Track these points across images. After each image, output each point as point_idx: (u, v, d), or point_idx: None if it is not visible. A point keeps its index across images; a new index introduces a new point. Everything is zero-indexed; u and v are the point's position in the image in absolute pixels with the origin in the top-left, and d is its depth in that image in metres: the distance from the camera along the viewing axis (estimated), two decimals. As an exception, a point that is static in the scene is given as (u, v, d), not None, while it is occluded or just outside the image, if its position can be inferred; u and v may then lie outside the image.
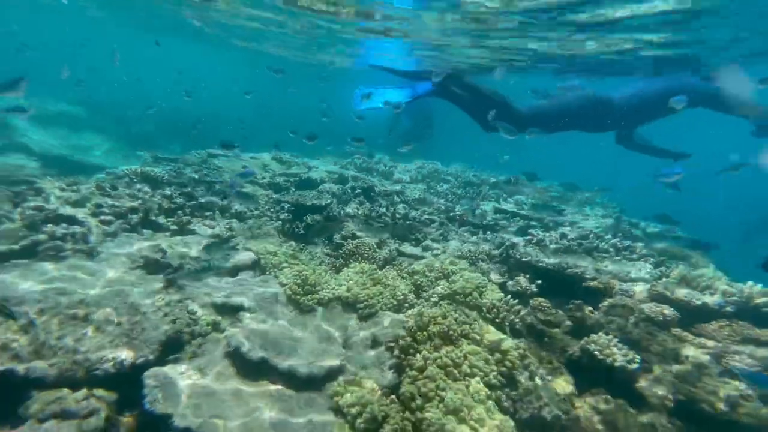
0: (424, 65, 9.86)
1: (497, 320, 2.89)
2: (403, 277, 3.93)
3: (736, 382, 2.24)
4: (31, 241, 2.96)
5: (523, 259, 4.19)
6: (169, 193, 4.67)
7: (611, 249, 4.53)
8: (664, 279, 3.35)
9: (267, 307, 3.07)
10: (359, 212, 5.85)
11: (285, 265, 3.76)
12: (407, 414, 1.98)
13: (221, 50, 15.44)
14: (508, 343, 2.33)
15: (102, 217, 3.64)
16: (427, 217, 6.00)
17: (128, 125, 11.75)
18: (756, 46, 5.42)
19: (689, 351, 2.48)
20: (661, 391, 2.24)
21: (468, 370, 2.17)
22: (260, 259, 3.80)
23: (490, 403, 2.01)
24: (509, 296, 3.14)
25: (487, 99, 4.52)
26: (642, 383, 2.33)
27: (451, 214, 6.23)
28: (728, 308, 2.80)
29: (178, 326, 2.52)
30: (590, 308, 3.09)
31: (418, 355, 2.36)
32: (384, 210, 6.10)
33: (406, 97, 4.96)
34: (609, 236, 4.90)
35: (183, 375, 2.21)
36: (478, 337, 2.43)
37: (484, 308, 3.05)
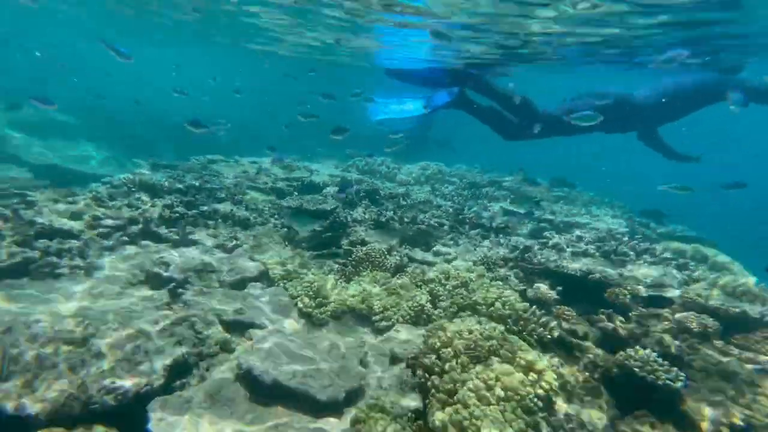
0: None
1: (524, 333, 2.72)
2: (417, 286, 3.75)
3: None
4: (22, 258, 2.76)
5: (544, 265, 4.02)
6: (170, 201, 4.47)
7: (631, 252, 4.37)
8: (695, 284, 3.18)
9: (278, 322, 2.89)
10: (366, 217, 5.67)
11: (294, 275, 3.57)
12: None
13: (224, 51, 15.19)
14: (543, 362, 2.15)
15: (100, 230, 3.44)
16: (436, 220, 5.83)
17: (122, 131, 11.52)
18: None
19: (737, 366, 2.31)
20: (712, 412, 2.07)
21: (502, 394, 1.99)
22: (268, 269, 3.61)
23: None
24: (534, 306, 2.97)
25: (509, 106, 4.35)
26: (690, 404, 2.16)
27: (461, 216, 6.06)
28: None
29: (185, 348, 2.33)
30: (620, 318, 2.92)
31: (445, 375, 2.17)
32: (391, 214, 5.92)
33: (422, 110, 4.78)
34: (626, 238, 4.75)
35: (191, 403, 2.02)
36: (509, 355, 2.25)
37: (509, 320, 2.87)
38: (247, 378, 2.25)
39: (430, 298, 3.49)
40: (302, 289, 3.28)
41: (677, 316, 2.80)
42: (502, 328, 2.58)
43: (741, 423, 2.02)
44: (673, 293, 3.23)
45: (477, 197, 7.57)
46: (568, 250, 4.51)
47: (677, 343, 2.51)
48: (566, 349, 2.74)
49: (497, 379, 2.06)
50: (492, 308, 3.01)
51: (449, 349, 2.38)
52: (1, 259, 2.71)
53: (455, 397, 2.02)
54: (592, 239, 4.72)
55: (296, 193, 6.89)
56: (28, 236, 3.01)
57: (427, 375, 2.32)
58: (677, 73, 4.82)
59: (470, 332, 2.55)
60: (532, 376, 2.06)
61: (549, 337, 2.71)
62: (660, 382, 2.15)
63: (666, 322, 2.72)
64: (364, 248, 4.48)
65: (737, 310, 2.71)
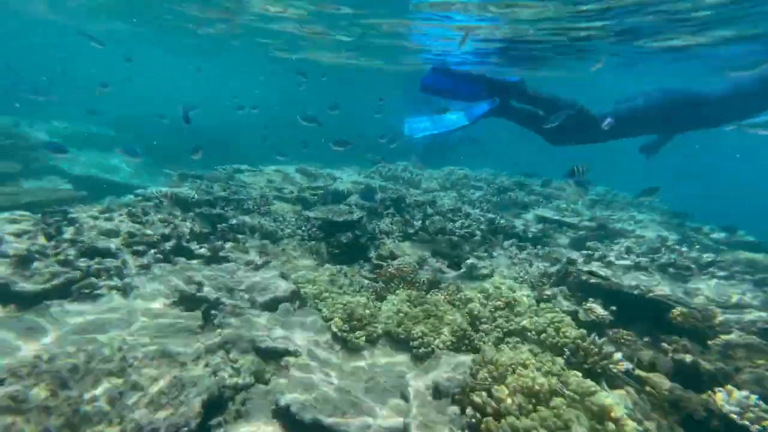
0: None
1: (586, 366, 2.43)
2: (455, 305, 3.52)
3: None
4: (65, 279, 2.77)
5: (590, 281, 3.69)
6: (201, 215, 4.47)
7: (692, 265, 3.93)
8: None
9: (313, 348, 2.75)
10: (394, 228, 5.49)
11: (326, 294, 3.43)
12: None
13: (246, 60, 15.51)
14: (621, 408, 1.87)
15: (135, 248, 3.45)
16: (466, 230, 5.56)
17: (152, 141, 11.96)
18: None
19: None
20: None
21: (573, 446, 1.73)
22: (299, 288, 3.50)
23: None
24: (593, 335, 2.66)
25: (559, 108, 4.04)
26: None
27: (493, 225, 5.75)
28: None
29: (220, 379, 2.23)
30: (699, 348, 2.57)
31: (503, 421, 1.94)
32: (419, 224, 5.71)
33: (464, 121, 4.53)
34: (684, 248, 4.30)
35: (229, 444, 1.90)
36: (575, 397, 1.98)
37: (565, 349, 2.59)
38: (284, 415, 2.11)
39: (470, 320, 3.25)
40: (335, 310, 3.14)
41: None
42: (561, 361, 2.31)
43: None
44: (757, 315, 2.82)
45: (507, 204, 7.21)
46: (617, 262, 4.13)
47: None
48: (637, 382, 2.43)
49: (567, 427, 1.81)
50: (544, 335, 2.74)
51: (503, 387, 2.15)
52: (45, 280, 2.72)
53: (518, 449, 1.78)
54: (644, 250, 4.30)
55: (321, 203, 6.82)
56: (69, 255, 3.04)
57: (478, 415, 2.09)
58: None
59: (524, 365, 2.30)
60: (610, 426, 1.79)
61: (615, 370, 2.41)
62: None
63: (761, 355, 2.35)
64: (394, 263, 4.29)
65: None
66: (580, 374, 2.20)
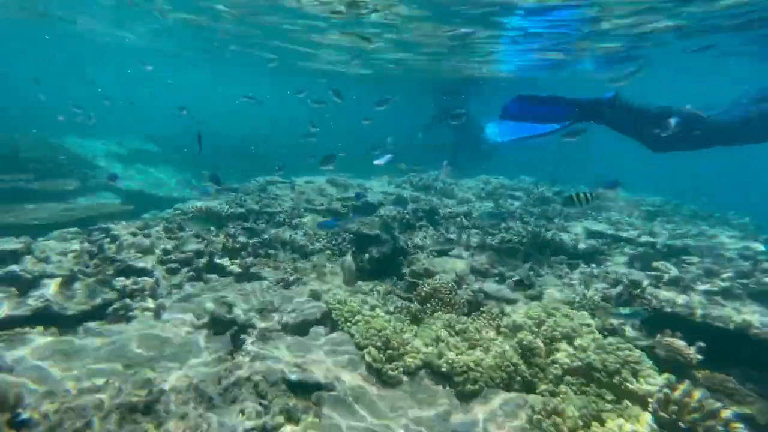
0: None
1: (682, 425, 1.96)
2: (501, 332, 3.14)
3: None
4: (102, 300, 2.77)
5: (665, 309, 3.13)
6: (233, 231, 4.46)
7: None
8: None
9: (346, 380, 2.50)
10: (428, 242, 5.18)
11: (359, 317, 3.19)
12: None
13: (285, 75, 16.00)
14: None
15: (169, 265, 3.44)
16: (508, 245, 5.11)
17: (192, 155, 12.62)
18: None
19: None
20: None
21: None
22: (330, 309, 3.29)
23: None
24: (687, 384, 2.17)
25: (659, 116, 3.62)
26: None
27: (537, 240, 5.25)
28: None
29: (248, 418, 2.04)
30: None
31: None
32: (455, 237, 5.35)
33: (552, 126, 4.16)
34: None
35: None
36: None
37: (650, 401, 2.12)
38: (317, 464, 1.87)
39: (521, 351, 2.85)
40: (369, 336, 2.88)
41: None
42: (648, 418, 1.87)
43: None
44: None
45: (550, 215, 6.61)
46: (697, 287, 3.50)
47: None
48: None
49: None
50: (617, 378, 2.28)
51: (576, 449, 1.75)
52: (84, 301, 2.73)
53: None
54: (731, 273, 3.63)
55: (351, 214, 6.68)
56: (108, 274, 3.07)
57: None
58: None
59: (600, 421, 1.89)
60: None
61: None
62: None
63: None
64: (430, 282, 3.97)
65: None
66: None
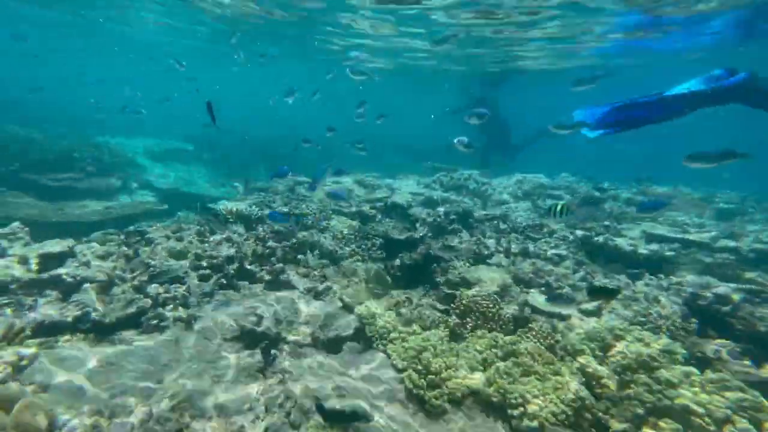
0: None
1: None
2: (555, 353, 2.77)
3: None
4: (137, 308, 2.72)
5: None
6: (262, 234, 4.37)
7: None
8: None
9: (384, 408, 2.27)
10: (463, 248, 4.83)
11: (394, 334, 2.95)
12: None
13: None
14: None
15: (200, 272, 3.37)
16: (553, 251, 4.66)
17: (223, 154, 12.92)
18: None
19: None
20: None
21: None
22: (363, 324, 3.08)
23: None
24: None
25: None
26: None
27: (588, 245, 4.74)
28: None
29: (281, 451, 1.86)
30: None
31: None
32: (493, 243, 4.96)
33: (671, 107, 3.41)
34: None
35: None
36: None
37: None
38: None
39: (585, 381, 2.48)
40: (407, 357, 2.63)
41: None
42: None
43: None
44: None
45: (599, 217, 6.01)
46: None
47: None
48: None
49: None
50: (730, 429, 1.87)
51: None
52: (121, 307, 2.69)
53: None
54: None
55: (380, 216, 6.46)
56: (142, 280, 3.03)
57: None
58: None
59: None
60: None
61: None
62: None
63: None
64: (469, 293, 3.65)
65: None
66: None
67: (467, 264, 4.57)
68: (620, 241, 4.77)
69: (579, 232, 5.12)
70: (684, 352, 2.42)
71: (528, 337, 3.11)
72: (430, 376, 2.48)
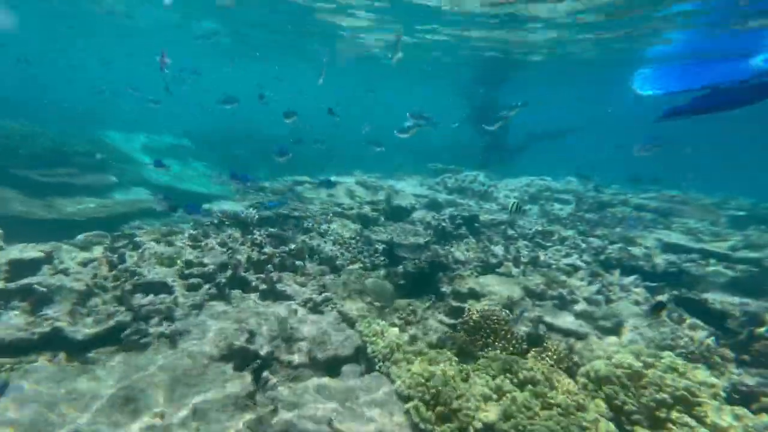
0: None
1: None
2: (574, 378, 2.52)
3: None
4: (116, 322, 2.47)
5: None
6: (259, 239, 4.12)
7: None
8: None
9: (387, 445, 2.02)
10: (471, 256, 4.58)
11: (398, 355, 2.70)
12: None
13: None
14: None
15: (190, 281, 3.12)
16: (566, 261, 4.40)
17: (224, 151, 12.65)
18: None
19: None
20: None
21: None
22: (365, 342, 2.82)
23: None
24: None
25: None
26: None
27: (603, 257, 4.47)
28: None
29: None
30: None
31: None
32: (502, 252, 4.70)
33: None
34: None
35: None
36: None
37: None
38: None
39: (611, 413, 2.22)
40: (412, 384, 2.38)
41: None
42: None
43: None
44: None
45: (610, 223, 5.74)
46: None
47: None
48: None
49: None
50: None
51: None
52: (97, 322, 2.44)
53: None
54: None
55: (383, 219, 6.20)
56: (126, 290, 2.78)
57: None
58: None
59: None
60: None
61: None
62: None
63: None
64: (479, 308, 3.40)
65: None
66: None
67: (475, 273, 4.32)
68: (635, 250, 4.50)
69: (593, 241, 4.87)
70: (725, 384, 2.16)
71: (544, 359, 2.86)
72: (439, 408, 2.23)
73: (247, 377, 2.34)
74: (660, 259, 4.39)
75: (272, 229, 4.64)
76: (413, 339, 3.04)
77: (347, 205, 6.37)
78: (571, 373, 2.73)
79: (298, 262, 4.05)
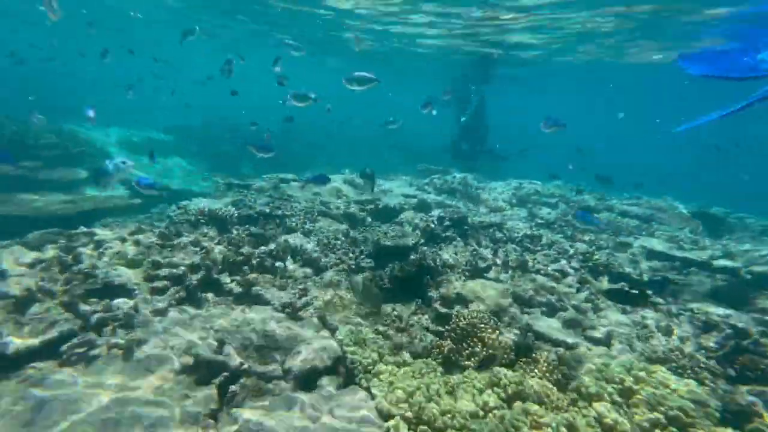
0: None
1: None
2: (563, 391, 2.39)
3: None
4: (59, 332, 2.19)
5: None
6: (236, 238, 3.86)
7: None
8: None
9: (364, 470, 1.83)
10: (460, 259, 4.43)
11: (381, 367, 2.51)
12: None
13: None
14: None
15: (155, 283, 2.85)
16: (554, 267, 4.31)
17: (208, 148, 12.20)
18: None
19: None
20: None
21: None
22: (345, 352, 2.62)
23: None
24: None
25: None
26: None
27: (589, 261, 4.40)
28: None
29: None
30: None
31: None
32: (490, 255, 4.58)
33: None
34: None
35: None
36: None
37: None
38: None
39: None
40: (393, 400, 2.19)
41: None
42: None
43: None
44: None
45: (594, 228, 5.73)
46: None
47: None
48: None
49: None
50: None
51: None
52: (37, 332, 2.16)
53: None
54: None
55: (370, 219, 6.01)
56: (75, 296, 2.49)
57: None
58: None
59: None
60: None
61: None
62: None
63: None
64: (466, 315, 3.25)
65: None
66: None
67: (463, 278, 4.18)
68: (621, 257, 4.46)
69: (579, 245, 4.81)
70: (717, 403, 2.06)
71: (532, 371, 2.73)
72: (421, 428, 2.05)
73: (211, 391, 2.10)
74: (644, 264, 4.36)
75: (253, 228, 4.39)
76: (397, 347, 2.87)
77: (333, 204, 6.15)
78: (560, 385, 2.60)
79: (278, 264, 3.82)
